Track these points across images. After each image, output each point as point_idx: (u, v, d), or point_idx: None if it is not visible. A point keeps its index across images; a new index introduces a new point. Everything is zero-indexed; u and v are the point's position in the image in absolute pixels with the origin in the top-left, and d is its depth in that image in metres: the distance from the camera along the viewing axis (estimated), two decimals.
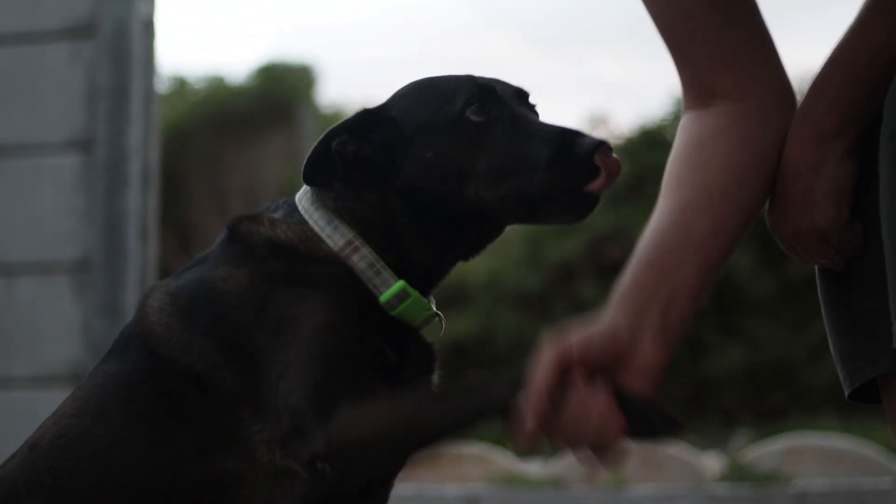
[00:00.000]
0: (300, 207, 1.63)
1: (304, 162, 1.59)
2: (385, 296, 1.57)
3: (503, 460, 6.61)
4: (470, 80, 1.60)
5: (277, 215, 1.64)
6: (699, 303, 1.51)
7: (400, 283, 1.57)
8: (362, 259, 1.57)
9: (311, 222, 1.60)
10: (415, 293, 1.58)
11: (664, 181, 1.56)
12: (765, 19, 1.55)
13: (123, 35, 3.75)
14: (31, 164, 3.77)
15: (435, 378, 1.64)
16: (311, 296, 1.55)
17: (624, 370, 1.46)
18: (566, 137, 1.53)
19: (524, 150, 1.53)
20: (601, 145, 1.51)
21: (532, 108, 1.63)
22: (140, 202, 3.77)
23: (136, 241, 3.75)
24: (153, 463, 1.54)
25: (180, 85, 16.02)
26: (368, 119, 1.60)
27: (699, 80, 1.55)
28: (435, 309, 1.64)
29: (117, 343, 1.64)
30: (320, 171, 1.60)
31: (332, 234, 1.59)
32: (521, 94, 1.63)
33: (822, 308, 1.54)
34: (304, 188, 1.66)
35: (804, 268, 1.57)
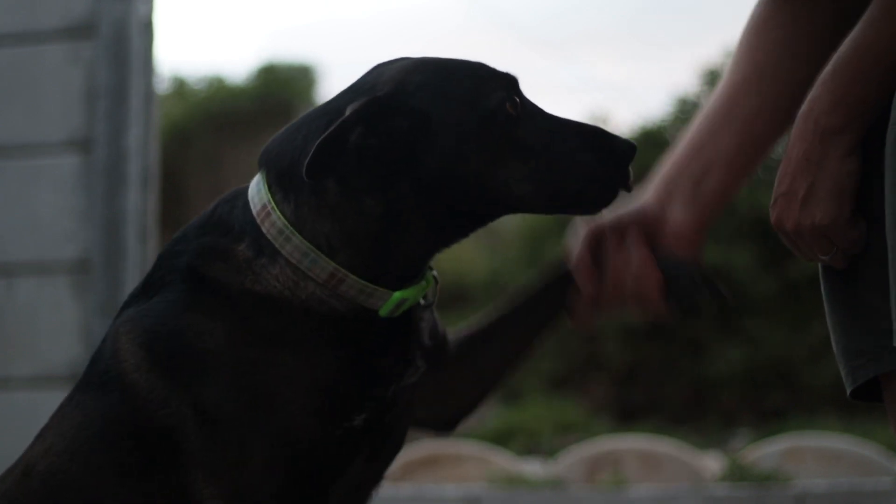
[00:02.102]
0: (267, 232, 1.53)
1: (311, 154, 1.45)
2: (384, 310, 1.53)
3: (503, 460, 6.60)
4: (491, 70, 1.56)
5: (245, 249, 1.54)
6: (741, 175, 1.62)
7: (396, 296, 1.53)
8: (351, 287, 1.51)
9: (284, 253, 1.51)
10: (410, 292, 1.55)
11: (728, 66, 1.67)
12: None
13: (123, 35, 3.75)
14: (30, 164, 3.77)
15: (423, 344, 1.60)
16: (290, 365, 1.50)
17: (658, 239, 1.60)
18: (603, 140, 1.55)
19: (565, 149, 1.53)
20: (634, 150, 1.55)
21: None
22: (140, 202, 3.77)
23: (136, 242, 3.75)
24: None
25: (180, 85, 16.00)
26: (381, 109, 1.49)
27: None
28: (433, 274, 1.61)
29: (95, 373, 1.59)
30: (322, 165, 1.47)
31: (312, 268, 1.51)
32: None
33: (826, 305, 1.53)
34: (258, 186, 1.56)
35: (805, 268, 1.58)
